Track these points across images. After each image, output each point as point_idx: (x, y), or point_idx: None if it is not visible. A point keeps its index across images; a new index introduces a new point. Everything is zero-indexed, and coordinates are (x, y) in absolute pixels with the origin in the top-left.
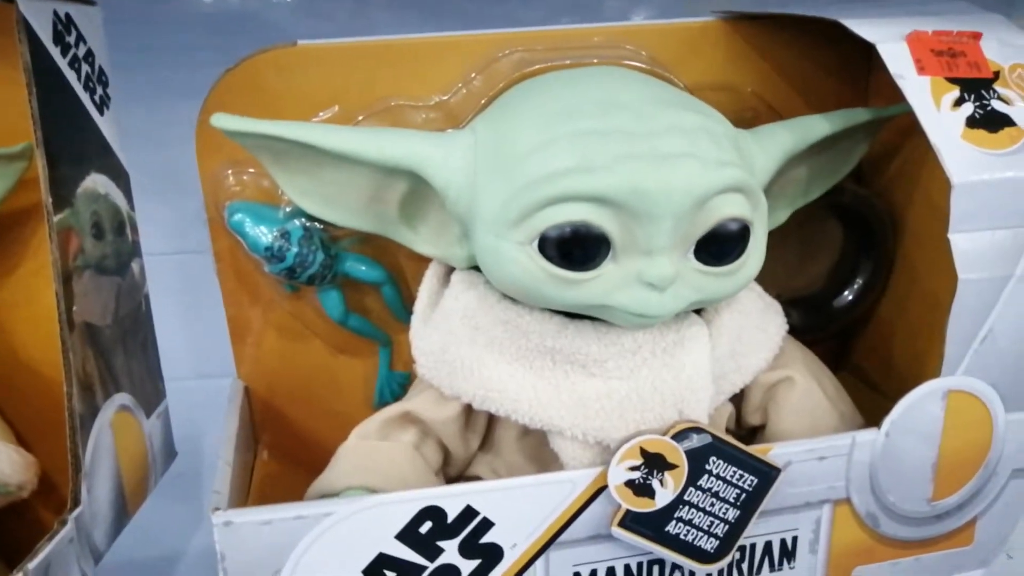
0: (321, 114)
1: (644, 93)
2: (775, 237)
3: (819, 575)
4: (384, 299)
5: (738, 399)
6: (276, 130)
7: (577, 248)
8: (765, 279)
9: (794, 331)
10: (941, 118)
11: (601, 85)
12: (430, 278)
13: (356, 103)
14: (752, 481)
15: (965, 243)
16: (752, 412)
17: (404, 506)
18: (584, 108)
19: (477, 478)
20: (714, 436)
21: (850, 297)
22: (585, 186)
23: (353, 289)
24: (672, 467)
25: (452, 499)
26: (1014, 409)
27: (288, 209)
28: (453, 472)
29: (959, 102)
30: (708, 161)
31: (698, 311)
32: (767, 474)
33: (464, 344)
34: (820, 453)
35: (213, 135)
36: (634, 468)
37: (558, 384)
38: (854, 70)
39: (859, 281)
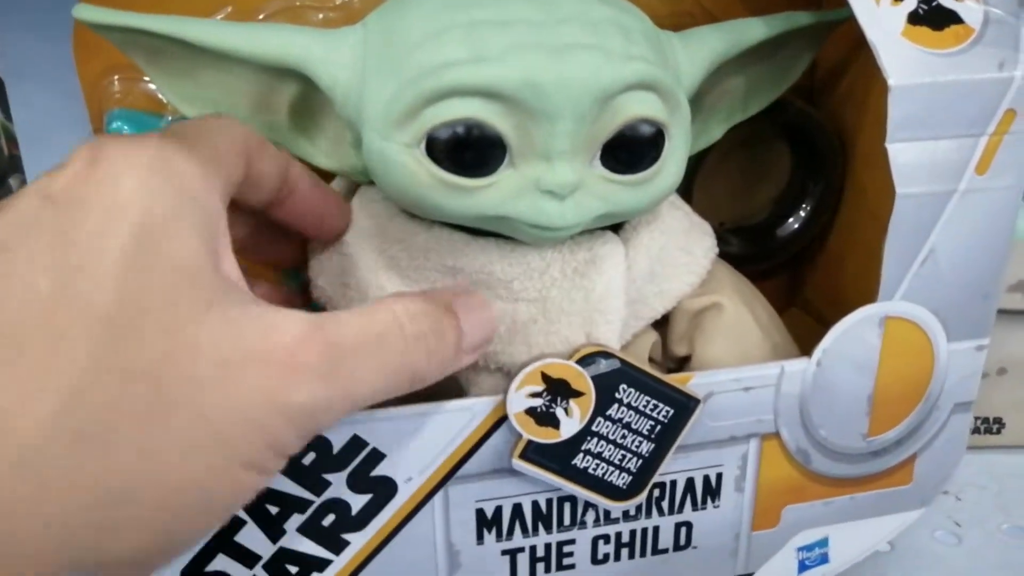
0: (217, 15)
1: None
2: (717, 160)
3: (746, 514)
4: None
5: (664, 327)
6: (145, 23)
7: (468, 151)
8: (706, 205)
9: (737, 261)
10: (880, 13)
11: None
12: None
13: (252, 2)
14: (668, 412)
15: (904, 154)
16: (678, 341)
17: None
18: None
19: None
20: (623, 361)
21: (796, 225)
22: (474, 78)
23: None
24: (577, 394)
25: (337, 428)
26: (957, 338)
27: (172, 117)
28: None
29: None
30: (613, 53)
31: (616, 229)
32: (684, 405)
33: (361, 266)
34: (745, 383)
35: (93, 35)
36: (535, 395)
37: None
38: None
39: (806, 207)
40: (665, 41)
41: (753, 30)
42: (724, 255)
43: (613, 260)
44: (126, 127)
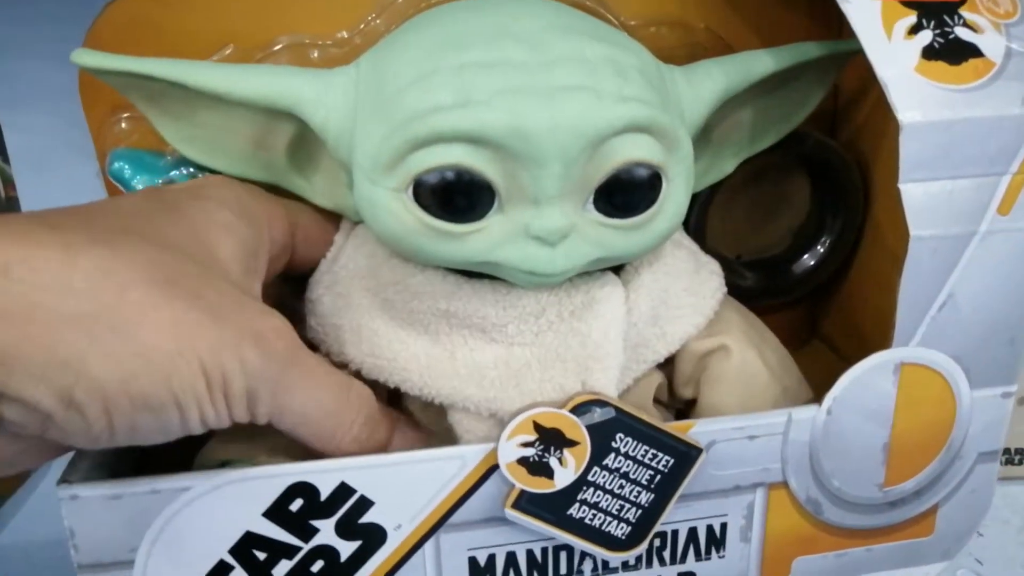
0: (215, 56)
1: (548, 21)
2: (733, 190)
3: (753, 564)
4: None
5: (670, 369)
6: (140, 67)
7: (456, 196)
8: (722, 237)
9: (753, 295)
10: (892, 48)
11: (500, 12)
12: (339, 235)
13: (252, 41)
14: (668, 461)
15: (918, 194)
16: (684, 384)
17: (270, 482)
18: (474, 38)
19: None
20: (619, 410)
21: (814, 259)
22: (459, 124)
23: None
24: (572, 444)
25: (324, 475)
26: (981, 384)
27: (172, 157)
28: None
29: (915, 29)
30: (606, 95)
31: (617, 270)
32: (685, 454)
33: (354, 307)
34: (750, 431)
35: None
36: (527, 444)
37: (454, 351)
38: (825, 4)
39: (825, 241)
40: (667, 76)
41: (761, 63)
42: (740, 289)
43: (611, 304)
44: (127, 167)
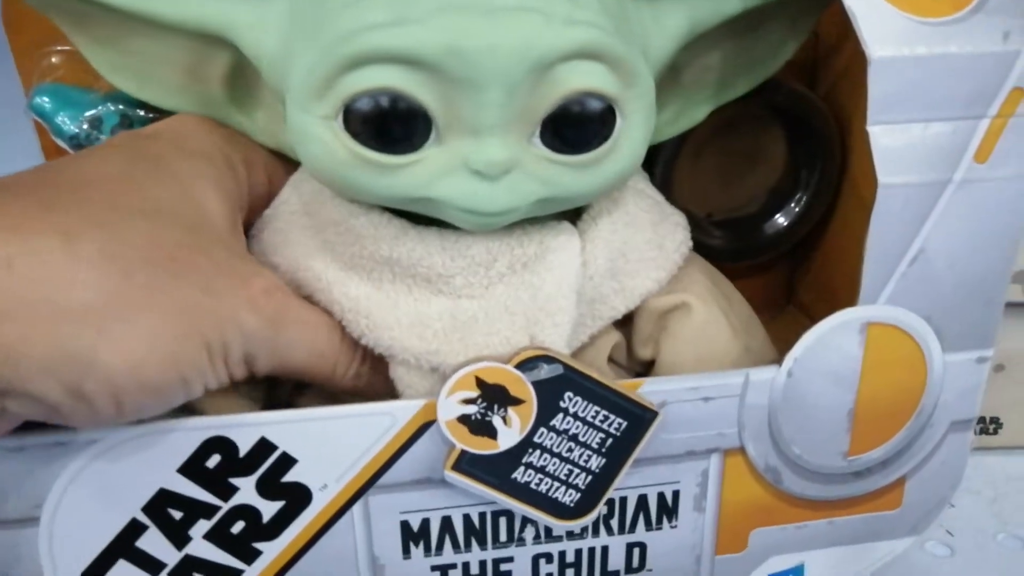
0: None
1: None
2: (701, 143)
3: (708, 536)
4: None
5: (629, 328)
6: None
7: (389, 124)
8: (689, 194)
9: (724, 256)
10: None
11: None
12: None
13: None
14: (620, 424)
15: (887, 138)
16: (642, 343)
17: (186, 436)
18: None
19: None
20: (568, 367)
21: (787, 219)
22: (392, 43)
23: None
24: (517, 402)
25: (242, 429)
26: (955, 348)
27: (100, 92)
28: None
29: None
30: (554, 17)
31: (574, 220)
32: (639, 416)
33: (292, 244)
34: (705, 392)
35: (24, 4)
36: (469, 401)
37: (397, 300)
38: None
39: (800, 199)
40: (631, 6)
41: (733, 0)
42: (709, 249)
43: (565, 254)
44: (49, 102)
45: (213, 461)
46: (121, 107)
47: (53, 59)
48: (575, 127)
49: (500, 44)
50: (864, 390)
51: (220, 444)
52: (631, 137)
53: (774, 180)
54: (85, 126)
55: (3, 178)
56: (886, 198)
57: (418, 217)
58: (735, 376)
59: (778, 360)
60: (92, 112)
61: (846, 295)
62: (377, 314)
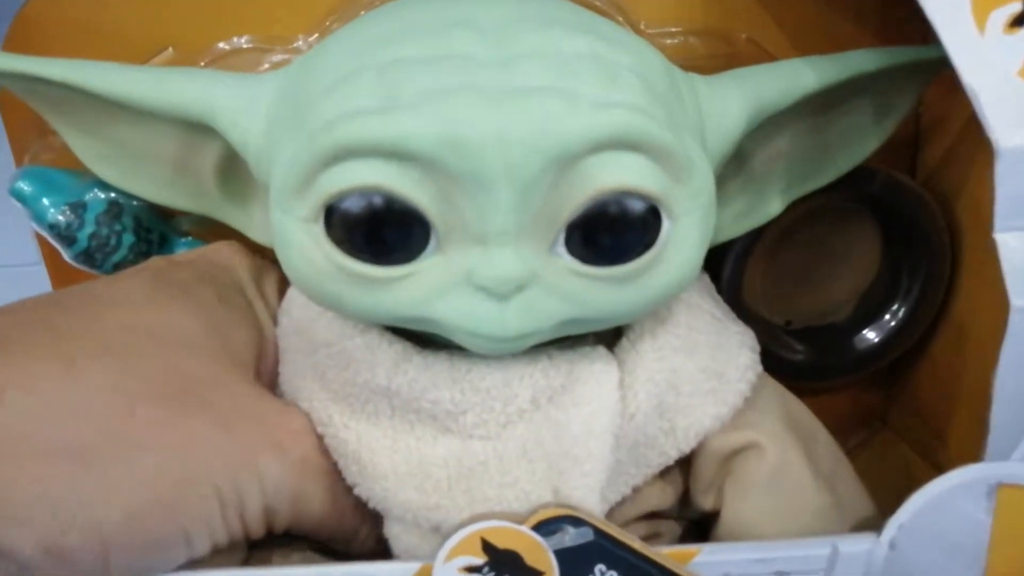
0: (154, 60)
1: (526, 12)
2: (779, 238)
3: None
4: None
5: (686, 472)
6: (33, 68)
7: (378, 230)
8: (763, 298)
9: (805, 373)
10: (985, 45)
11: (467, 3)
12: None
13: (195, 45)
14: None
15: (1021, 248)
16: (703, 491)
17: None
18: (420, 30)
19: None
20: (600, 531)
21: (881, 332)
22: (378, 132)
23: None
24: (534, 573)
25: None
26: None
27: (88, 178)
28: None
29: (1019, 21)
30: (579, 98)
31: (611, 343)
32: None
33: (289, 364)
34: (778, 566)
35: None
36: (473, 569)
37: (395, 440)
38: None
39: (897, 308)
40: (684, 85)
41: (811, 74)
42: (787, 364)
43: (599, 387)
44: (29, 187)
45: None
46: (112, 195)
47: (47, 140)
48: (610, 233)
49: (510, 133)
50: (994, 567)
51: None
52: (682, 244)
53: (866, 285)
54: (68, 213)
55: (21, 302)
56: (1019, 324)
57: (427, 337)
58: (819, 546)
59: (877, 521)
60: (77, 199)
61: (959, 429)
62: (370, 458)
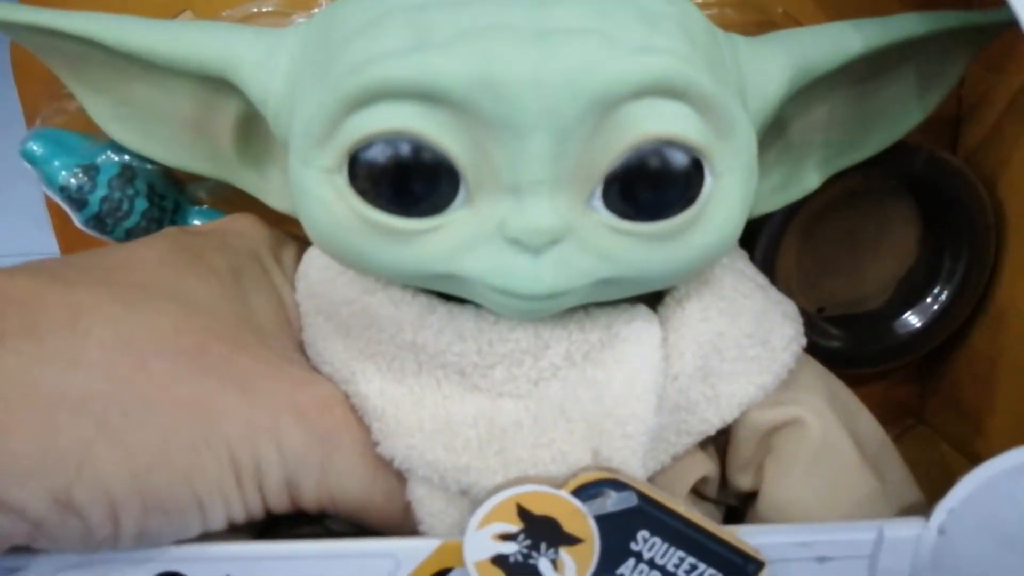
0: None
1: None
2: (813, 219)
3: None
4: None
5: (722, 446)
6: (50, 20)
7: (405, 179)
8: (795, 282)
9: (839, 361)
10: None
11: None
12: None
13: (213, 7)
14: None
15: None
16: (741, 468)
17: (133, 569)
18: None
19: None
20: (645, 497)
21: (922, 318)
22: (408, 73)
23: None
24: (573, 541)
25: (204, 565)
26: None
27: (100, 140)
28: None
29: None
30: (620, 41)
31: (653, 302)
32: (740, 569)
33: (310, 326)
34: (821, 550)
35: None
36: (508, 536)
37: (422, 398)
38: None
39: (938, 293)
40: (724, 43)
41: (858, 36)
42: (820, 351)
43: (642, 345)
44: (40, 148)
45: None
46: (125, 158)
47: (60, 104)
48: (650, 186)
49: (548, 75)
50: None
51: None
52: (724, 203)
53: (903, 270)
54: (79, 175)
55: (30, 262)
56: None
57: (450, 295)
58: (864, 529)
59: (922, 503)
60: (88, 162)
61: (1003, 418)
62: (395, 413)
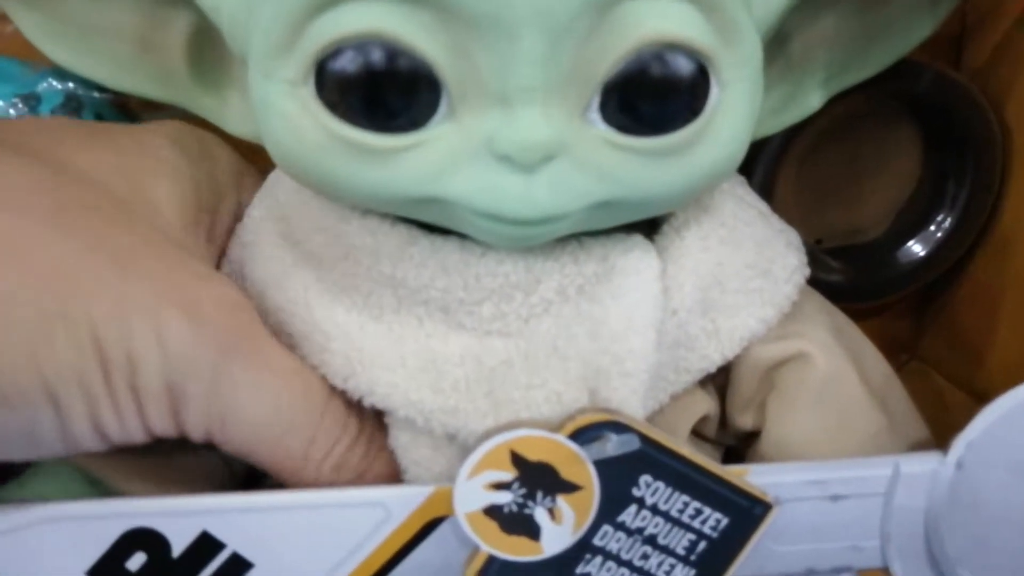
0: None
1: None
2: (813, 144)
3: None
4: None
5: (721, 385)
6: None
7: (379, 89)
8: (794, 211)
9: (838, 293)
10: None
11: None
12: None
13: None
14: (718, 521)
15: None
16: (742, 407)
17: (98, 525)
18: None
19: None
20: (647, 439)
21: (924, 247)
22: None
23: None
24: (571, 488)
25: (177, 520)
26: None
27: (42, 67)
28: None
29: None
30: None
31: (648, 231)
32: (746, 511)
33: (264, 260)
34: (834, 488)
35: None
36: (501, 485)
37: (402, 336)
38: None
39: (943, 220)
40: None
41: None
42: (819, 284)
43: (639, 277)
44: None
45: (136, 562)
46: (69, 85)
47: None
48: (653, 96)
49: None
50: None
51: (146, 538)
52: (731, 115)
53: (903, 198)
54: (19, 105)
55: None
56: None
57: (432, 228)
58: (879, 465)
59: (929, 440)
60: (28, 90)
61: (1014, 352)
62: (373, 348)
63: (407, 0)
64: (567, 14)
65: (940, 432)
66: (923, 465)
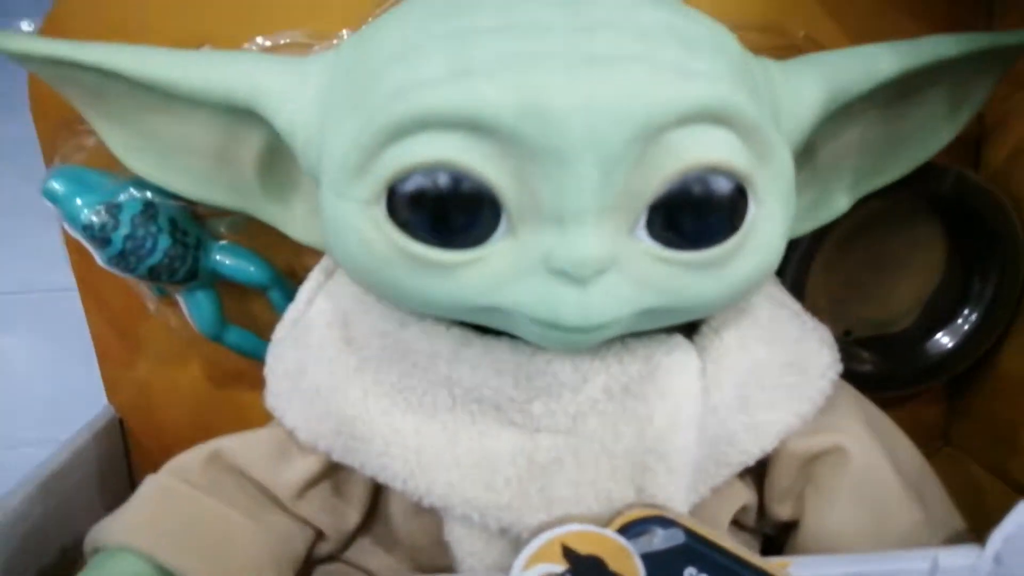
0: None
1: None
2: (842, 243)
3: None
4: (273, 307)
5: (759, 475)
6: (67, 51)
7: (446, 210)
8: (825, 306)
9: (868, 384)
10: None
11: None
12: (316, 275)
13: (233, 42)
14: None
15: None
16: (780, 498)
17: None
18: (488, 1)
19: (360, 568)
20: (692, 533)
21: (952, 339)
22: (450, 102)
23: (232, 292)
24: None
25: None
26: None
27: (121, 177)
28: (328, 549)
29: None
30: (663, 67)
31: (689, 332)
32: None
33: (325, 363)
34: None
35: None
36: None
37: (456, 433)
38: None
39: (969, 314)
40: (757, 67)
41: (890, 58)
42: (850, 374)
43: (682, 377)
44: (61, 186)
45: None
46: (147, 194)
47: (79, 140)
48: (695, 214)
49: (594, 103)
50: None
51: None
52: (767, 228)
53: (928, 291)
54: (102, 213)
55: None
56: None
57: (486, 328)
58: (918, 559)
59: (965, 531)
60: (109, 200)
61: None
62: (430, 450)
63: (474, 131)
64: (619, 144)
65: (974, 516)
66: (962, 559)
